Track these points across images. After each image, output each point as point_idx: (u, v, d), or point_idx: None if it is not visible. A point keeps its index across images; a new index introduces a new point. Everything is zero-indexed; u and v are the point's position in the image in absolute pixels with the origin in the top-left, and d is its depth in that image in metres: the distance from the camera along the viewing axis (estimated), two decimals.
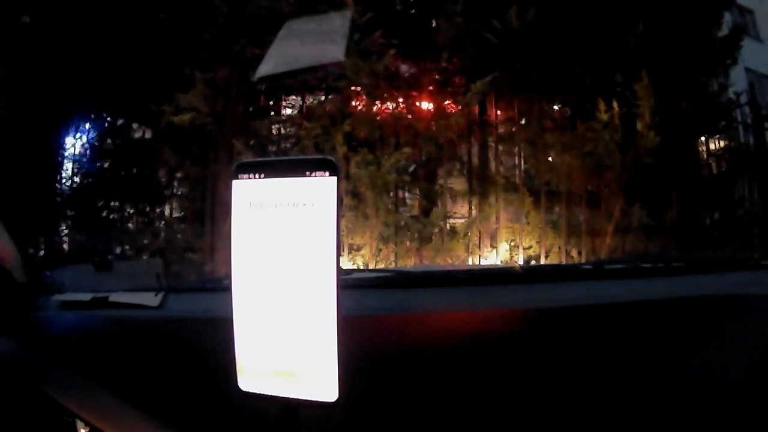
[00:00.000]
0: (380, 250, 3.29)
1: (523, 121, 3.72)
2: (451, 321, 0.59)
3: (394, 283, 0.75)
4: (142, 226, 3.57)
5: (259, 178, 0.34)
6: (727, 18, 4.06)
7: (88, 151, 3.47)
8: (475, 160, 3.71)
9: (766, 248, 3.45)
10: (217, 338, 0.37)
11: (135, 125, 3.56)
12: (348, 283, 0.69)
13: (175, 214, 3.68)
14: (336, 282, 0.33)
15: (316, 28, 3.10)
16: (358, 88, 3.23)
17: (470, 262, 3.44)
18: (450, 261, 3.38)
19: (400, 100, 3.46)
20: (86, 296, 0.63)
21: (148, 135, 3.57)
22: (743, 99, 3.95)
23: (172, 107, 3.12)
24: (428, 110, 3.47)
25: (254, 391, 0.35)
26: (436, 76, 3.40)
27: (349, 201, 3.11)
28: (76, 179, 3.43)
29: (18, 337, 0.74)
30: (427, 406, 0.33)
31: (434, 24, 3.72)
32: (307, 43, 3.07)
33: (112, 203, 3.55)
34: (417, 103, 3.49)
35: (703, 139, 3.96)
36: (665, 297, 0.62)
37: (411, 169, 3.53)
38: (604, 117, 3.22)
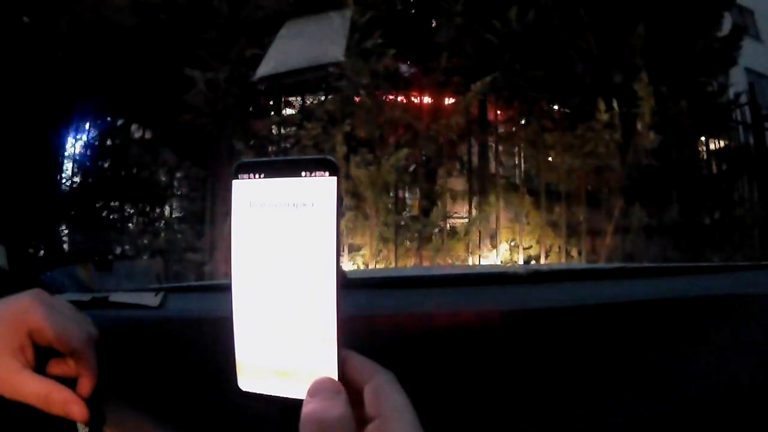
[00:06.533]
0: (380, 250, 3.28)
1: (523, 121, 3.72)
2: (451, 321, 0.58)
3: (395, 283, 0.74)
4: (142, 226, 3.57)
5: (259, 178, 0.34)
6: (727, 18, 4.06)
7: (88, 151, 3.47)
8: (475, 160, 3.71)
9: (766, 248, 3.45)
10: (217, 338, 0.37)
11: (135, 125, 3.55)
12: (348, 283, 0.69)
13: (175, 214, 3.69)
14: (336, 282, 0.33)
15: (316, 28, 3.10)
16: (359, 88, 3.23)
17: (470, 262, 3.43)
18: (450, 261, 3.38)
19: (400, 100, 3.46)
20: (86, 296, 0.62)
21: (148, 135, 3.57)
22: (743, 99, 3.95)
23: (172, 107, 3.12)
24: (428, 110, 3.47)
25: (254, 391, 0.35)
26: (436, 76, 3.40)
27: (349, 201, 3.11)
28: (76, 179, 3.43)
29: None
30: (427, 406, 0.33)
31: (434, 24, 3.72)
32: (307, 43, 3.08)
33: (112, 203, 3.55)
34: (417, 103, 3.49)
35: (703, 139, 3.96)
36: (665, 297, 0.62)
37: (411, 169, 3.53)
38: (604, 117, 3.21)
